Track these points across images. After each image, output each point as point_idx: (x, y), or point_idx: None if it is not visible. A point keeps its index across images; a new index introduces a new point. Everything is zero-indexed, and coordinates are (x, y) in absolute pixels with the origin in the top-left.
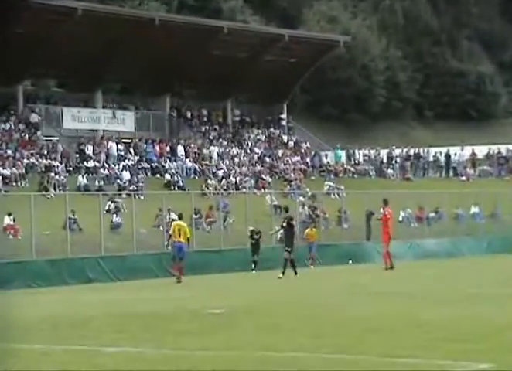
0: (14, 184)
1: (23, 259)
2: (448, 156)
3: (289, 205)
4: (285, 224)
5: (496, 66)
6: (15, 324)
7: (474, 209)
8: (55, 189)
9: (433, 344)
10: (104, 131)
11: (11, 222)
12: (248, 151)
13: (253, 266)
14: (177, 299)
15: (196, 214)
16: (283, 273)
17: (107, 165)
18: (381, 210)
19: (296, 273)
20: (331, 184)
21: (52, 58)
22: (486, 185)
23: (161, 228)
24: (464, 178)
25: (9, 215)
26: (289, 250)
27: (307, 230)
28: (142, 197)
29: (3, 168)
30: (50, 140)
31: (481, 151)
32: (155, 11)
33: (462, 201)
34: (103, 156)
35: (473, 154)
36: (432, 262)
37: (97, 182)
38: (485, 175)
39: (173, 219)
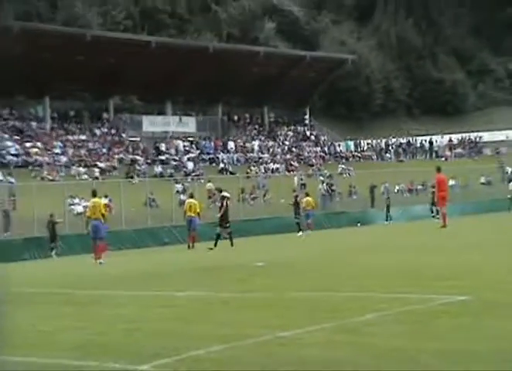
0: (108, 174)
1: (116, 228)
2: (431, 142)
3: (311, 183)
4: (225, 203)
5: (465, 73)
6: (113, 276)
7: (452, 182)
8: (138, 177)
9: (423, 283)
10: (173, 132)
11: (108, 202)
12: (281, 143)
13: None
14: (228, 256)
15: (242, 192)
16: (215, 245)
17: (176, 158)
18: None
19: (232, 245)
20: (343, 167)
21: (134, 80)
22: (460, 164)
23: (217, 203)
24: (443, 158)
25: (106, 196)
26: (227, 226)
27: (306, 198)
28: (202, 181)
29: (100, 162)
30: (134, 140)
31: (456, 138)
32: (209, 42)
33: None
34: (173, 151)
35: (450, 140)
36: (420, 223)
37: (168, 170)
38: (459, 156)
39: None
